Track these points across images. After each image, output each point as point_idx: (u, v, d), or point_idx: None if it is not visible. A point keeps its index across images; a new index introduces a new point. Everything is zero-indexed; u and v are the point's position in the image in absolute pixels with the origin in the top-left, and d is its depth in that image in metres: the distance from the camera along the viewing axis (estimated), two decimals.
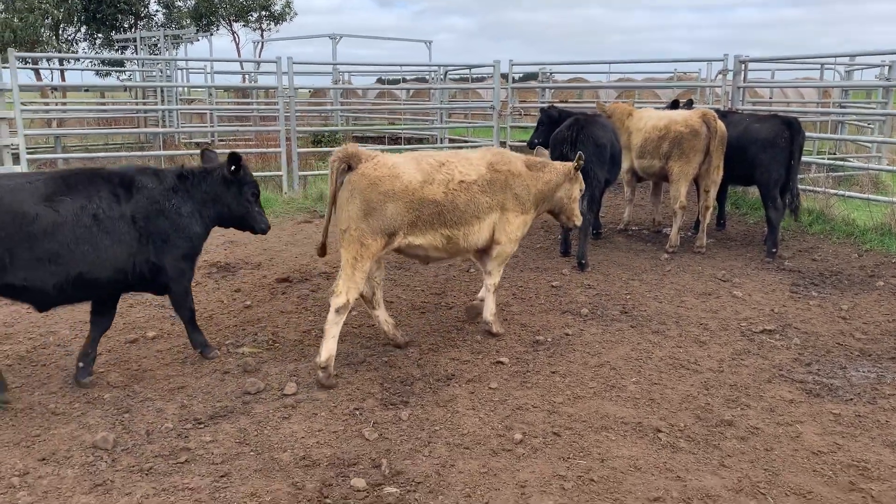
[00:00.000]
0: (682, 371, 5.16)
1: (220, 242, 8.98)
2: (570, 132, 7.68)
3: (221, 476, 3.76)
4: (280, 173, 12.45)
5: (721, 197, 9.61)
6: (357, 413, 4.47)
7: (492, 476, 3.79)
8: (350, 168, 4.96)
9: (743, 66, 11.65)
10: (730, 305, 6.62)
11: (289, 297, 6.77)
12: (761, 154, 8.25)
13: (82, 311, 6.22)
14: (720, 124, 8.29)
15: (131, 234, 4.74)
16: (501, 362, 5.25)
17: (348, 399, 4.66)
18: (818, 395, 4.78)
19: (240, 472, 3.80)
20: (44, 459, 3.93)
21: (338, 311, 4.91)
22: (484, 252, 5.65)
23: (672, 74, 20.74)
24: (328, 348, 4.86)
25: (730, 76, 11.85)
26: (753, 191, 10.68)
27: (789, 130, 8.18)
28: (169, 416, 4.39)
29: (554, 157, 7.93)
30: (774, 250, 8.21)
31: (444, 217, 5.15)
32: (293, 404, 4.57)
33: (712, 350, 5.56)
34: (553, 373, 5.09)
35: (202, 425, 4.29)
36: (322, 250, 5.28)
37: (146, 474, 3.78)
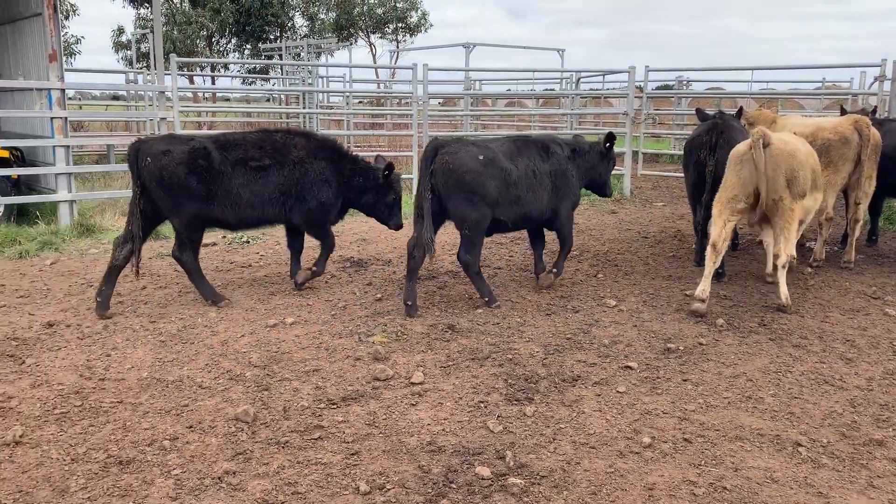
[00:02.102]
0: (825, 387, 4.86)
1: (354, 240, 9.32)
2: (709, 137, 7.38)
3: (352, 454, 3.89)
4: (412, 176, 12.76)
5: (874, 210, 9.00)
6: (482, 406, 4.51)
7: (618, 477, 3.71)
8: (765, 145, 6.11)
9: None
10: (881, 323, 6.17)
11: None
12: None
13: (227, 296, 6.62)
14: (874, 132, 7.71)
15: (550, 186, 6.65)
16: (630, 367, 5.14)
17: (473, 392, 4.71)
18: None
19: (369, 451, 3.93)
20: (191, 427, 4.21)
21: (783, 266, 6.37)
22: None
23: (820, 84, 19.63)
24: (783, 291, 6.39)
25: (887, 84, 11.08)
26: None
27: None
28: (304, 396, 4.60)
29: (689, 163, 7.75)
30: None
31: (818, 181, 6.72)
32: (420, 392, 4.67)
33: (860, 368, 5.20)
34: (685, 381, 4.93)
35: (335, 406, 4.47)
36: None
37: (282, 447, 3.97)
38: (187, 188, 6.23)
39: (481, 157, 6.24)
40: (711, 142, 7.29)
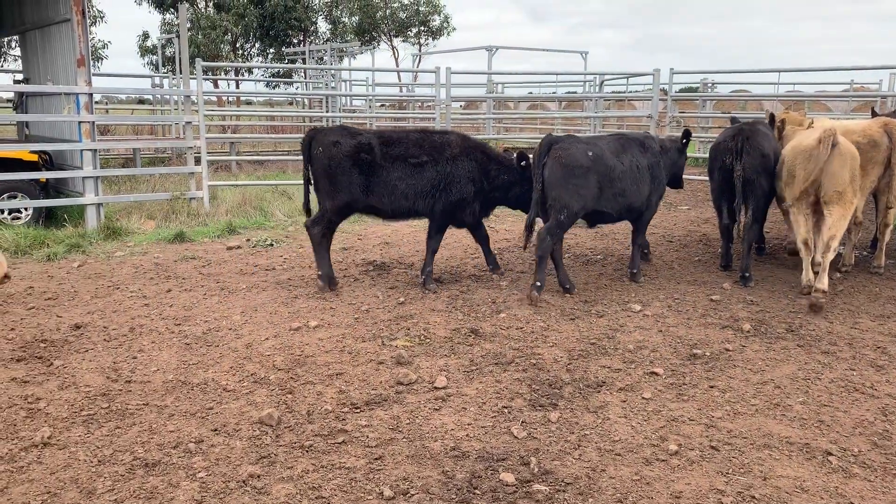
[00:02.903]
0: (855, 395, 4.77)
1: (377, 244, 9.34)
2: (735, 142, 7.32)
3: (376, 459, 3.89)
4: None
5: None
6: (506, 411, 4.49)
7: (644, 484, 3.67)
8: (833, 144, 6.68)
9: None
10: None
11: (439, 296, 6.91)
12: None
13: (250, 299, 6.66)
14: None
15: (649, 179, 7.21)
16: (656, 373, 5.09)
17: (497, 397, 4.68)
18: None
19: (393, 456, 3.92)
20: (216, 430, 4.23)
21: (834, 250, 6.81)
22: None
23: (848, 86, 19.36)
24: (825, 279, 6.58)
25: None
26: None
27: None
28: (328, 400, 4.60)
29: (715, 168, 7.71)
30: None
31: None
32: (443, 397, 4.65)
33: (891, 375, 5.10)
34: (711, 387, 4.87)
35: (358, 410, 4.47)
36: None
37: (306, 451, 3.98)
38: (348, 177, 6.86)
39: (590, 154, 6.79)
40: (737, 147, 7.27)
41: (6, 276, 6.41)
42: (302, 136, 19.40)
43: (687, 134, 8.03)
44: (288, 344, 5.59)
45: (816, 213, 6.98)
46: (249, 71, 32.24)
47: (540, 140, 7.04)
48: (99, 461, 3.86)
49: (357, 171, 6.86)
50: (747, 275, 7.32)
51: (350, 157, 6.83)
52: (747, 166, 7.21)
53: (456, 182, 7.09)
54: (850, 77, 19.38)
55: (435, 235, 7.30)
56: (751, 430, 4.26)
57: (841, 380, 5.01)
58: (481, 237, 7.81)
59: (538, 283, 6.70)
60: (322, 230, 7.04)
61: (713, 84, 18.05)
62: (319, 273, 7.10)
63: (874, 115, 8.58)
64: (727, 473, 3.77)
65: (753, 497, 3.54)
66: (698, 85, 18.70)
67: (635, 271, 7.57)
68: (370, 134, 7.14)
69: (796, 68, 14.86)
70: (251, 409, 4.48)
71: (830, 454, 3.96)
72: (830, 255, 6.76)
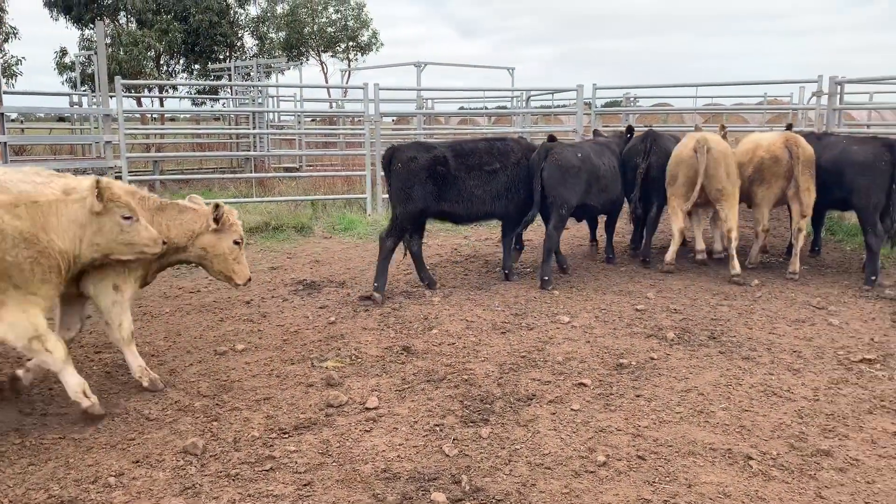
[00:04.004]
0: (774, 399, 4.94)
1: (307, 262, 9.22)
2: (644, 144, 8.75)
3: (304, 485, 3.82)
4: (364, 196, 12.72)
5: (817, 222, 9.29)
6: (437, 429, 4.47)
7: (574, 497, 3.71)
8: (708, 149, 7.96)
9: (838, 87, 11.22)
10: (825, 333, 6.32)
11: (371, 314, 6.86)
12: (859, 178, 7.89)
13: (174, 323, 6.48)
14: (804, 149, 8.01)
15: (619, 177, 8.61)
16: (584, 384, 5.16)
17: (429, 415, 4.67)
18: None
19: (322, 481, 3.85)
20: (137, 462, 4.08)
21: (736, 239, 8.08)
22: None
23: (762, 99, 20.18)
24: (735, 264, 8.04)
25: (824, 99, 11.43)
26: (850, 216, 10.23)
27: (891, 154, 7.80)
28: (255, 426, 4.50)
29: (629, 171, 8.90)
30: (874, 278, 7.80)
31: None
32: (375, 418, 4.61)
33: (807, 378, 5.31)
34: (638, 396, 4.97)
35: (287, 435, 4.38)
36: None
37: (233, 480, 3.88)
38: (423, 188, 7.42)
39: (580, 156, 7.96)
40: (646, 149, 8.72)
41: None
42: (229, 152, 19.10)
43: (630, 129, 9.53)
44: (213, 369, 5.45)
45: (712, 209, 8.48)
46: (174, 87, 31.52)
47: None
48: (10, 501, 3.67)
49: (432, 182, 7.44)
50: (648, 259, 8.94)
51: (426, 169, 7.42)
52: (653, 164, 8.64)
53: (521, 183, 7.88)
54: (763, 90, 20.18)
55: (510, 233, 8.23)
56: (676, 437, 4.36)
57: (760, 385, 5.18)
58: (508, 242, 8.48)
59: (546, 277, 7.77)
60: (394, 241, 7.55)
61: (635, 98, 18.57)
62: (376, 285, 7.40)
63: (789, 128, 9.01)
64: (653, 482, 3.84)
65: None
66: (621, 99, 19.21)
67: (643, 256, 9.02)
68: (444, 147, 7.80)
69: (712, 82, 15.44)
70: (175, 438, 4.34)
71: (751, 458, 4.09)
72: (734, 244, 8.05)
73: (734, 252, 8.09)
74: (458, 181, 7.54)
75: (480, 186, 7.64)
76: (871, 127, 15.69)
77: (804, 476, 3.91)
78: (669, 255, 8.53)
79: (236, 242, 5.27)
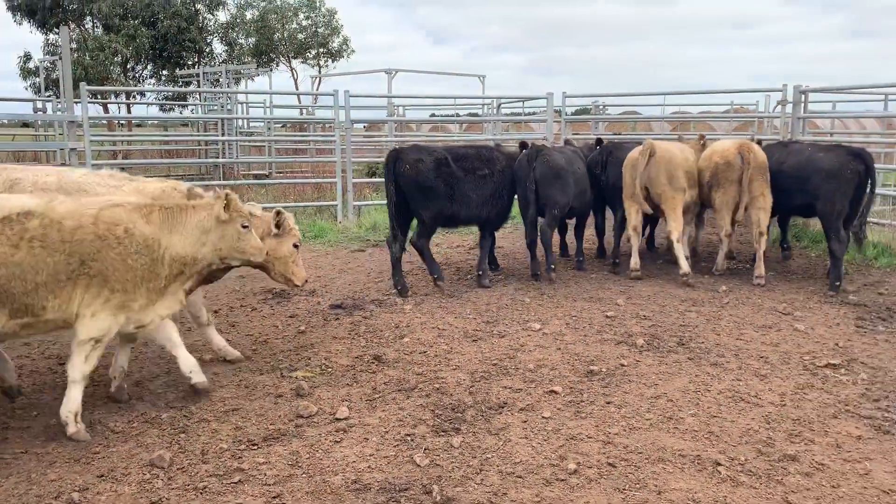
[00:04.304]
0: (742, 404, 5.00)
1: None
2: (601, 156, 9.28)
3: (273, 497, 3.77)
4: (335, 203, 12.65)
5: (783, 227, 9.46)
6: (408, 439, 4.45)
7: None
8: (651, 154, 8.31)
9: (802, 96, 11.41)
10: (791, 339, 6.41)
11: (341, 323, 6.82)
12: (825, 185, 8.03)
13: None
14: (756, 155, 8.26)
15: (589, 181, 9.02)
16: (555, 391, 5.18)
17: (400, 424, 4.64)
18: (888, 433, 4.57)
19: (292, 493, 3.81)
20: (102, 476, 4.00)
21: (677, 241, 8.37)
22: None
23: (729, 107, 20.47)
24: (683, 262, 8.39)
25: (789, 107, 11.62)
26: (814, 223, 10.41)
27: (855, 161, 7.95)
28: (223, 437, 4.44)
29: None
30: (838, 283, 7.94)
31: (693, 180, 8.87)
32: (345, 428, 4.57)
33: (773, 384, 5.38)
34: (608, 403, 4.99)
35: (256, 447, 4.33)
36: None
37: (200, 493, 3.82)
38: (435, 190, 7.78)
39: (565, 159, 8.49)
40: (603, 159, 9.27)
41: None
42: (197, 159, 18.85)
43: (599, 141, 9.83)
44: (181, 380, 5.35)
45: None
46: (142, 94, 31.14)
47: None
48: None
49: (442, 183, 7.78)
50: (617, 261, 9.09)
51: (433, 170, 7.75)
52: (610, 174, 9.14)
53: (504, 190, 8.31)
54: (730, 99, 20.49)
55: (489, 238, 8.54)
56: (646, 444, 4.38)
57: (728, 390, 5.23)
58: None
59: (552, 266, 8.40)
60: (427, 241, 7.98)
61: (604, 106, 18.73)
62: (435, 276, 8.03)
63: (759, 142, 9.25)
64: (624, 490, 3.86)
65: None
66: (591, 107, 19.37)
67: (612, 259, 9.23)
68: (443, 149, 8.14)
69: (679, 91, 15.65)
70: (141, 451, 4.27)
71: (720, 464, 4.13)
72: (677, 245, 8.40)
73: (680, 253, 8.42)
74: (459, 183, 7.91)
75: (475, 190, 8.01)
76: (834, 135, 15.99)
77: (771, 481, 3.96)
78: (681, 267, 8.42)
79: (295, 246, 5.62)
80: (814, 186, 8.10)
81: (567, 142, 10.56)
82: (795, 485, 3.92)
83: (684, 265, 8.35)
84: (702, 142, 9.24)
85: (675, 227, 8.41)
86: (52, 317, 4.33)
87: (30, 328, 4.36)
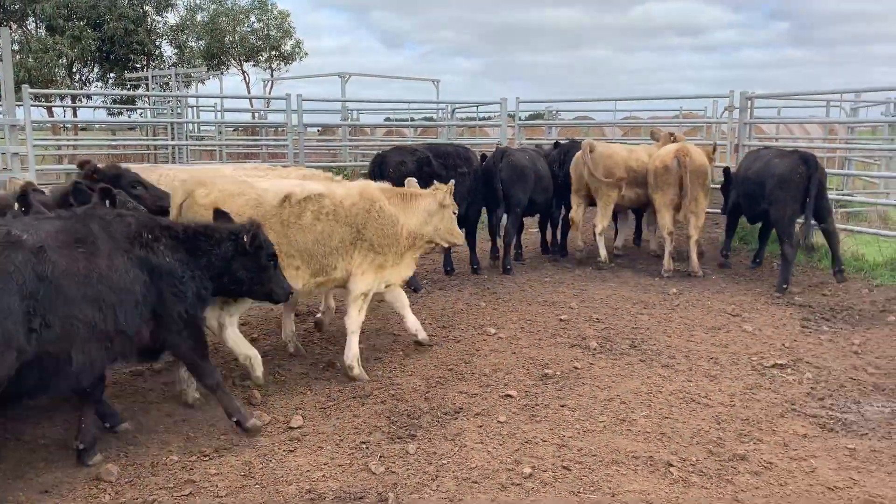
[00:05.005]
0: (692, 405, 5.09)
1: None
2: (559, 155, 9.91)
3: None
4: None
5: (763, 235, 9.57)
6: (363, 446, 4.42)
7: None
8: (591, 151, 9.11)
9: (749, 102, 11.70)
10: (740, 340, 6.55)
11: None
12: (777, 190, 8.21)
13: None
14: (693, 159, 8.72)
15: (552, 180, 9.75)
16: (510, 396, 5.20)
17: (355, 432, 4.60)
18: (832, 430, 4.70)
19: None
20: (46, 492, 3.88)
21: (601, 234, 9.36)
22: None
23: (678, 112, 20.85)
24: (603, 253, 9.47)
25: (735, 113, 11.89)
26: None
27: (805, 166, 8.15)
28: (174, 449, 4.34)
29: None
30: (785, 286, 8.14)
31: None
32: (299, 437, 4.52)
33: (723, 384, 5.49)
34: (562, 406, 5.03)
35: (207, 458, 4.24)
36: None
37: None
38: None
39: (528, 158, 9.18)
40: (560, 158, 9.91)
41: None
42: (146, 164, 18.51)
43: (557, 144, 10.53)
44: (129, 391, 5.24)
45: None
46: (88, 97, 30.36)
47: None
48: None
49: (422, 185, 7.98)
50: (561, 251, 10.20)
51: (415, 172, 7.75)
52: (566, 173, 9.62)
53: (475, 189, 8.75)
54: (679, 104, 20.87)
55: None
56: (600, 447, 4.42)
57: (679, 392, 5.32)
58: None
59: (508, 266, 9.09)
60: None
61: (557, 111, 18.91)
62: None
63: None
64: (579, 493, 3.89)
65: None
66: (544, 112, 19.55)
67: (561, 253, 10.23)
68: (424, 148, 8.61)
69: (630, 97, 15.90)
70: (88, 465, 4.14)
71: (672, 465, 4.19)
72: (599, 238, 9.36)
73: (601, 244, 9.44)
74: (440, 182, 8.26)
75: (457, 188, 8.34)
76: (779, 140, 16.42)
77: (722, 481, 4.03)
78: (600, 254, 9.48)
79: (454, 213, 6.27)
80: (769, 191, 8.30)
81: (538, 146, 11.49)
82: (745, 484, 4.00)
83: (604, 254, 9.44)
84: (672, 139, 9.78)
85: (600, 222, 9.41)
86: (338, 275, 5.43)
87: (320, 286, 5.54)
